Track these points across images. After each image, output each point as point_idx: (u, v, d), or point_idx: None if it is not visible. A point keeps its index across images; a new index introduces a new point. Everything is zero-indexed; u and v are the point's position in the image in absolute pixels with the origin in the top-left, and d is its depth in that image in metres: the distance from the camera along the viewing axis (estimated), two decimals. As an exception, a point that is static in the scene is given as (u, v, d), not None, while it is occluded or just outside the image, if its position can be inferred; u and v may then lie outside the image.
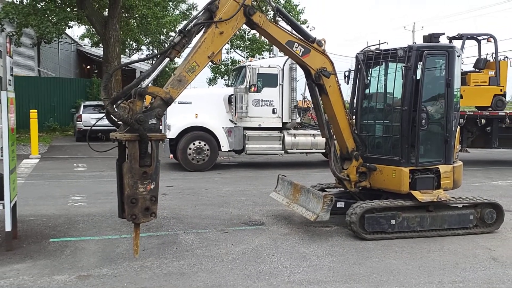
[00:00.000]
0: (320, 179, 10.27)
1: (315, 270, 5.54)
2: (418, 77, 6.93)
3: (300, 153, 14.81)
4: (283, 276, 5.32)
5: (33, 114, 16.17)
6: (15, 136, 6.61)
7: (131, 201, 5.15)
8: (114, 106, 5.29)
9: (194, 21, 5.86)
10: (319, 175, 12.67)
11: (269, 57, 15.74)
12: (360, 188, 7.40)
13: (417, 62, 6.90)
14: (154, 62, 5.91)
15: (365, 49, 7.53)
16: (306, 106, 15.49)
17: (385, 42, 7.47)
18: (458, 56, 7.22)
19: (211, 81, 42.14)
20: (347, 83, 7.92)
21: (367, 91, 7.67)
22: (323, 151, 14.55)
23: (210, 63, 6.18)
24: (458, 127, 7.63)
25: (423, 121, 6.91)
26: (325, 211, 6.62)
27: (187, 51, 6.08)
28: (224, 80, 39.21)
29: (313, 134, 14.29)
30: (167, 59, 5.69)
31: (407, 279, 5.33)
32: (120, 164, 5.31)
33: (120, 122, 5.29)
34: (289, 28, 6.84)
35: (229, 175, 12.96)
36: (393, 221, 6.78)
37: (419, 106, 6.88)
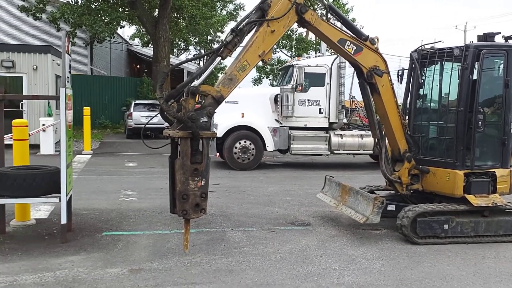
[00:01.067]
0: (368, 181, 10.12)
1: (365, 273, 5.45)
2: (475, 77, 6.70)
3: (347, 154, 14.63)
4: (332, 278, 5.26)
5: (86, 111, 16.68)
6: (71, 132, 6.84)
7: (182, 197, 5.24)
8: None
9: (246, 20, 5.89)
10: (367, 176, 12.47)
11: (315, 56, 15.61)
12: (411, 191, 7.22)
13: (474, 61, 6.66)
14: (205, 61, 5.97)
15: (420, 47, 7.33)
16: (353, 106, 15.25)
17: (440, 41, 7.25)
18: (518, 56, 6.93)
19: (256, 81, 42.31)
20: (401, 83, 7.72)
21: (421, 91, 7.47)
22: (371, 152, 14.33)
23: (259, 62, 6.19)
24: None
25: (480, 122, 6.66)
26: (376, 214, 6.49)
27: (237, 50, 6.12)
28: (269, 79, 39.27)
29: (361, 134, 14.04)
30: (219, 58, 5.73)
31: (462, 286, 5.15)
32: (172, 161, 5.41)
33: (173, 120, 5.39)
34: (339, 25, 6.76)
35: (274, 175, 12.95)
36: (446, 226, 6.57)
37: (475, 107, 6.63)
